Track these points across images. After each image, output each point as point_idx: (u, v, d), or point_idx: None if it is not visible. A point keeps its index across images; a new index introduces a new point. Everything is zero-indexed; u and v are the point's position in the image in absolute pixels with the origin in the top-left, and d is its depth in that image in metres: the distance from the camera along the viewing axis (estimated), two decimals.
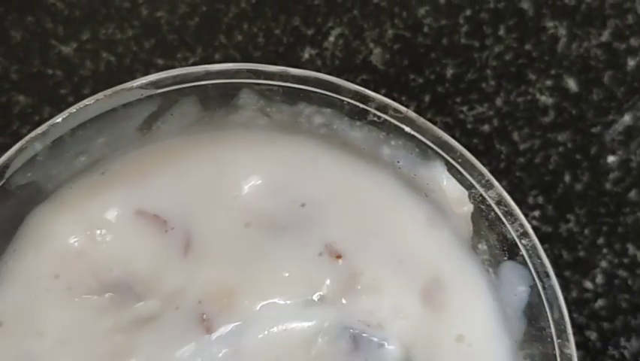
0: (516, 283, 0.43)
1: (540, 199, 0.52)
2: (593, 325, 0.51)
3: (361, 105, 0.42)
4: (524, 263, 0.42)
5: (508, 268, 0.43)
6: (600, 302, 0.51)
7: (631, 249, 0.52)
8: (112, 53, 0.53)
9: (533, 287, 0.42)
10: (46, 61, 0.53)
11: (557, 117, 0.53)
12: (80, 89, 0.53)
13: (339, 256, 0.43)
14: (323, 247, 0.43)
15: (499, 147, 0.53)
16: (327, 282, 0.43)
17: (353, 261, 0.43)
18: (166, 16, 0.54)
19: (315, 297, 0.42)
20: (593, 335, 0.51)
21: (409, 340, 0.42)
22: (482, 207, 0.43)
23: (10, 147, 0.41)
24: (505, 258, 0.43)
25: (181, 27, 0.54)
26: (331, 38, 0.54)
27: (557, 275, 0.46)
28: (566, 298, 0.45)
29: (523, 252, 0.42)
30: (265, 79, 0.42)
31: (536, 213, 0.52)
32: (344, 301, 0.43)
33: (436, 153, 0.42)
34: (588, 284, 0.52)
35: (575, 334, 0.47)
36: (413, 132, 0.42)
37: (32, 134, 0.41)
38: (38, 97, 0.53)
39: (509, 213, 0.42)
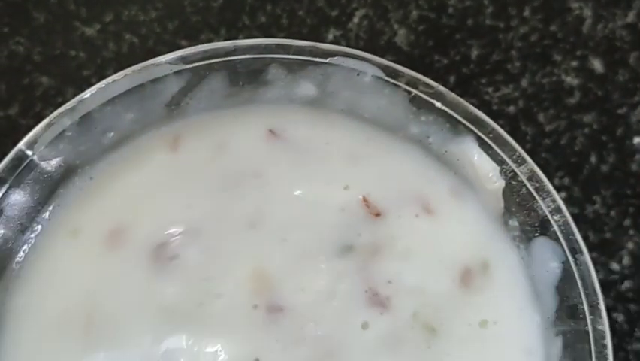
0: (548, 260, 0.42)
1: (566, 181, 0.52)
2: (620, 307, 0.51)
3: (391, 80, 0.42)
4: (556, 239, 0.42)
5: (540, 244, 0.43)
6: (627, 284, 0.51)
7: None
8: (135, 34, 0.53)
9: (565, 263, 0.42)
10: (69, 43, 0.53)
11: (583, 98, 0.53)
12: (103, 71, 0.52)
13: (378, 214, 0.43)
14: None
15: (524, 129, 0.53)
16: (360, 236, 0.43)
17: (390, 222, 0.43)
18: None
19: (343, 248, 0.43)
20: (620, 317, 0.51)
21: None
22: (514, 182, 0.42)
23: (34, 128, 0.41)
24: (537, 234, 0.43)
25: (204, 8, 0.54)
26: (355, 19, 0.54)
27: None
28: None
29: (556, 228, 0.42)
30: (294, 54, 0.42)
31: (562, 194, 0.52)
32: (370, 260, 0.43)
33: (467, 128, 0.42)
34: (615, 266, 0.51)
35: None
36: (444, 107, 0.42)
37: (61, 109, 0.41)
38: (61, 79, 0.52)
39: (541, 189, 0.42)
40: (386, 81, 0.42)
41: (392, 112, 0.43)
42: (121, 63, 0.52)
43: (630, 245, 0.51)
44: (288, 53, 0.42)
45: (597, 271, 0.50)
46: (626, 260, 0.51)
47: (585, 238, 0.51)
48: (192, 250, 0.42)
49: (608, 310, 0.50)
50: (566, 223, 0.41)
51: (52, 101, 0.52)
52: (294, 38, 0.52)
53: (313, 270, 0.42)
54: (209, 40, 0.53)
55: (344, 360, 0.41)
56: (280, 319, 0.41)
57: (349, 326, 0.42)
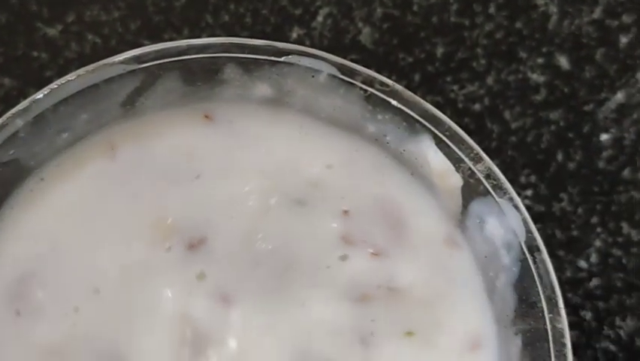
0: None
1: (533, 178, 0.52)
2: (588, 304, 0.51)
3: (347, 79, 0.42)
4: (515, 237, 0.41)
5: None
6: (595, 282, 0.51)
7: (625, 227, 0.51)
8: (97, 34, 0.53)
9: (523, 262, 0.41)
10: (32, 43, 0.53)
11: (549, 95, 0.53)
12: (66, 71, 0.51)
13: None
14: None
15: (490, 126, 0.52)
16: None
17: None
18: None
19: None
20: (587, 315, 0.50)
21: None
22: (471, 181, 0.42)
23: None
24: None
25: (167, 8, 0.53)
26: (319, 18, 0.54)
27: (551, 255, 0.45)
28: (560, 278, 0.45)
29: (514, 226, 0.41)
30: (250, 53, 0.42)
31: (529, 192, 0.52)
32: None
33: (424, 126, 0.42)
34: (582, 263, 0.51)
35: (569, 314, 0.46)
36: (400, 106, 0.42)
37: (13, 110, 0.41)
38: (24, 80, 0.52)
39: (499, 187, 0.42)
40: (342, 80, 0.42)
41: (349, 111, 0.43)
42: (83, 63, 0.51)
43: (598, 243, 0.51)
44: (243, 52, 0.42)
45: (564, 269, 0.51)
46: (593, 258, 0.51)
47: (552, 236, 0.51)
48: None
49: (576, 308, 0.50)
50: (524, 221, 0.41)
51: (15, 102, 0.51)
52: (258, 37, 0.52)
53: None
54: (172, 40, 0.53)
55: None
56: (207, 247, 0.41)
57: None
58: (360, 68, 0.42)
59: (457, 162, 0.42)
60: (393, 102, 0.42)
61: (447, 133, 0.42)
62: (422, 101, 0.42)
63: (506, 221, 0.41)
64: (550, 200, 0.52)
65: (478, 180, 0.42)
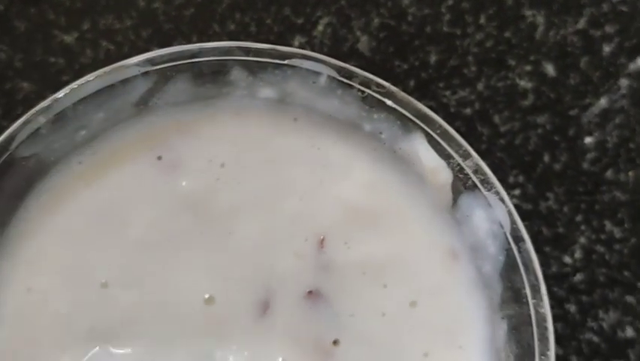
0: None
1: (520, 178, 0.54)
2: (573, 298, 0.53)
3: (346, 80, 0.45)
4: (501, 228, 0.44)
5: None
6: (579, 276, 0.53)
7: (608, 225, 0.54)
8: (111, 41, 0.56)
9: (509, 251, 0.44)
10: (49, 50, 0.55)
11: (536, 101, 0.55)
12: (81, 76, 0.53)
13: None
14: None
15: (480, 129, 0.55)
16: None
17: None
18: (162, 7, 0.56)
19: None
20: (572, 308, 0.52)
21: None
22: (460, 175, 0.45)
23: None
24: None
25: (177, 17, 0.56)
26: (320, 27, 0.56)
27: (537, 251, 0.48)
28: (545, 273, 0.47)
29: (500, 217, 0.44)
30: (255, 56, 0.44)
31: (517, 191, 0.54)
32: None
33: (416, 125, 0.45)
34: (567, 259, 0.53)
35: (554, 307, 0.49)
36: (395, 106, 0.44)
37: (37, 107, 0.43)
38: (41, 84, 0.55)
39: (486, 182, 0.44)
40: (340, 82, 0.45)
41: (346, 111, 0.46)
42: (97, 69, 0.54)
43: (582, 240, 0.53)
44: (249, 55, 0.44)
45: (550, 264, 0.53)
46: (578, 254, 0.53)
47: (539, 233, 0.53)
48: None
49: (561, 301, 0.52)
50: (509, 213, 0.44)
51: (33, 104, 0.53)
52: None
53: None
54: None
55: None
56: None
57: None
58: (358, 70, 0.44)
59: (447, 158, 0.45)
60: (389, 102, 0.45)
61: (438, 131, 0.44)
62: (415, 101, 0.44)
63: (493, 213, 0.44)
64: (537, 199, 0.54)
65: (467, 175, 0.44)
